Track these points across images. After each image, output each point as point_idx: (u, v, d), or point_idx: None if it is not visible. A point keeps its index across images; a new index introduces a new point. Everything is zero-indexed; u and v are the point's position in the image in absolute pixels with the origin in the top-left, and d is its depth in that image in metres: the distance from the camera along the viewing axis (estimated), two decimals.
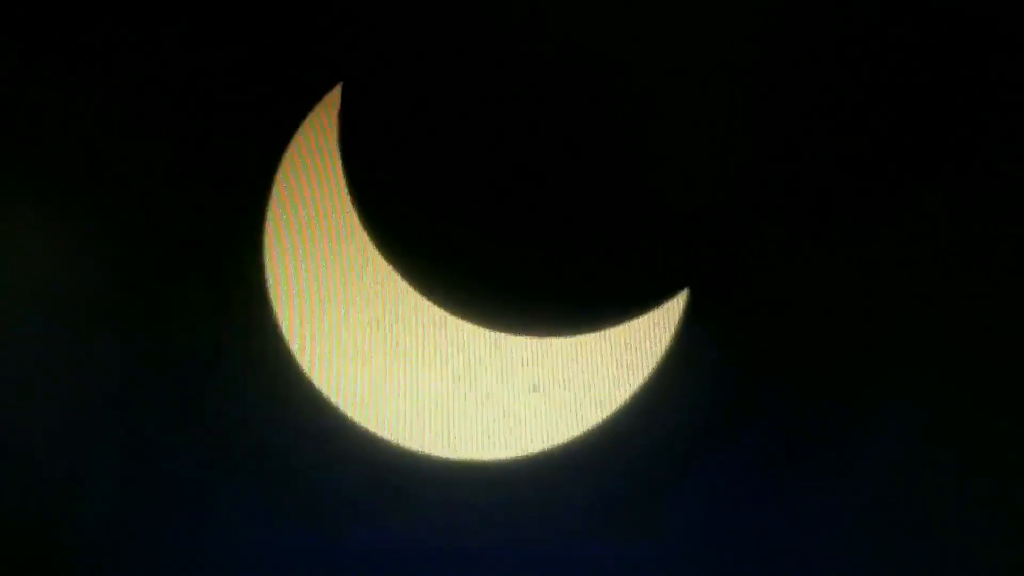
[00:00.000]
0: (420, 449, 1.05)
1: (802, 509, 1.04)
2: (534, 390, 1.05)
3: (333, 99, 1.03)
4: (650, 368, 1.05)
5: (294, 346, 1.03)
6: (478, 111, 1.00)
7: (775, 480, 1.04)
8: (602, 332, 1.05)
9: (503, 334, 1.05)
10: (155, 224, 1.03)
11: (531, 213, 1.01)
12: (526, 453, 1.05)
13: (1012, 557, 1.03)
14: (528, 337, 1.05)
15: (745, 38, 1.02)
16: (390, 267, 1.02)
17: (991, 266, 1.05)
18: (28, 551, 1.02)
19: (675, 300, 1.05)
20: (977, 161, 1.05)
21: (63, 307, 1.03)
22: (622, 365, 1.06)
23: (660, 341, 1.06)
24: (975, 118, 1.04)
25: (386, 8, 1.02)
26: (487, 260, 1.01)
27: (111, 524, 1.02)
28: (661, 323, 1.06)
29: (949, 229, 1.05)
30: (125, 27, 1.02)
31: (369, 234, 1.02)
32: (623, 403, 1.06)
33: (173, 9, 1.02)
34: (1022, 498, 1.04)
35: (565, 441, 1.05)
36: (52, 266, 1.03)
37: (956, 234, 1.05)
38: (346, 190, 1.02)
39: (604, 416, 1.06)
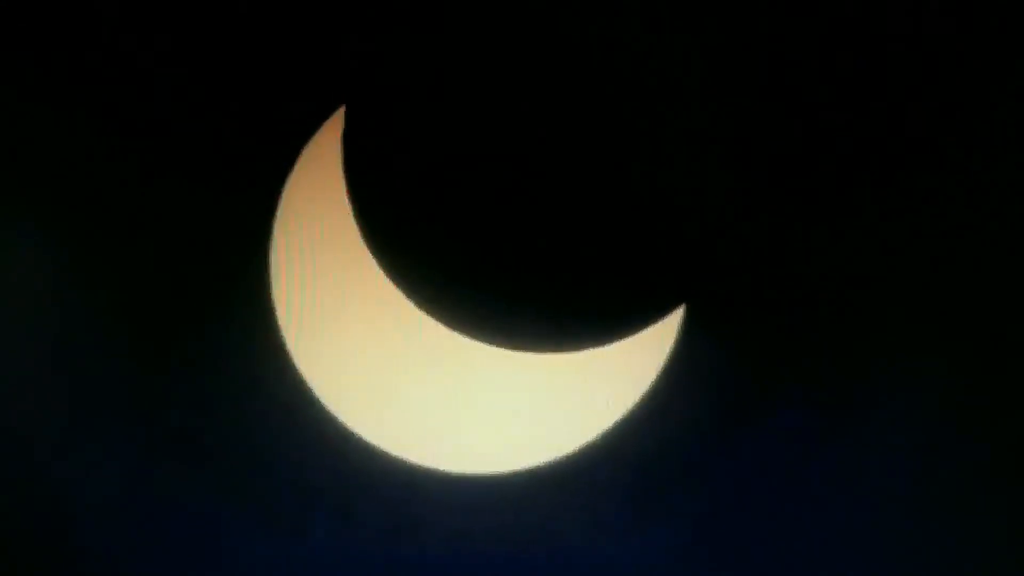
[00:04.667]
0: (424, 463, 1.06)
1: (804, 522, 1.05)
2: None
3: (337, 121, 1.05)
4: (648, 383, 1.07)
5: (300, 365, 1.04)
6: (480, 133, 1.02)
7: (775, 494, 1.05)
8: (599, 348, 1.07)
9: (502, 349, 1.06)
10: (162, 245, 1.04)
11: (532, 233, 1.02)
12: (526, 467, 1.07)
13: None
14: (526, 352, 1.06)
15: (742, 53, 1.03)
16: (394, 286, 1.04)
17: (998, 268, 1.06)
18: (29, 557, 1.03)
19: (672, 316, 1.06)
20: (980, 165, 1.06)
21: (71, 321, 1.04)
22: (620, 380, 1.07)
23: (657, 357, 1.07)
24: (976, 122, 1.06)
25: (389, 31, 1.03)
26: (489, 279, 1.02)
27: (110, 533, 1.03)
28: (658, 339, 1.07)
29: (952, 239, 1.06)
30: (129, 52, 1.04)
31: (373, 254, 1.04)
32: (621, 418, 1.07)
33: (177, 34, 1.04)
34: None
35: (564, 456, 1.07)
36: (60, 280, 1.04)
37: (960, 243, 1.06)
38: (350, 211, 1.03)
39: (602, 431, 1.07)
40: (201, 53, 1.04)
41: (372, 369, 1.05)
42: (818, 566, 1.05)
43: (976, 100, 1.05)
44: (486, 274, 1.02)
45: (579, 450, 1.06)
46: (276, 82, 1.04)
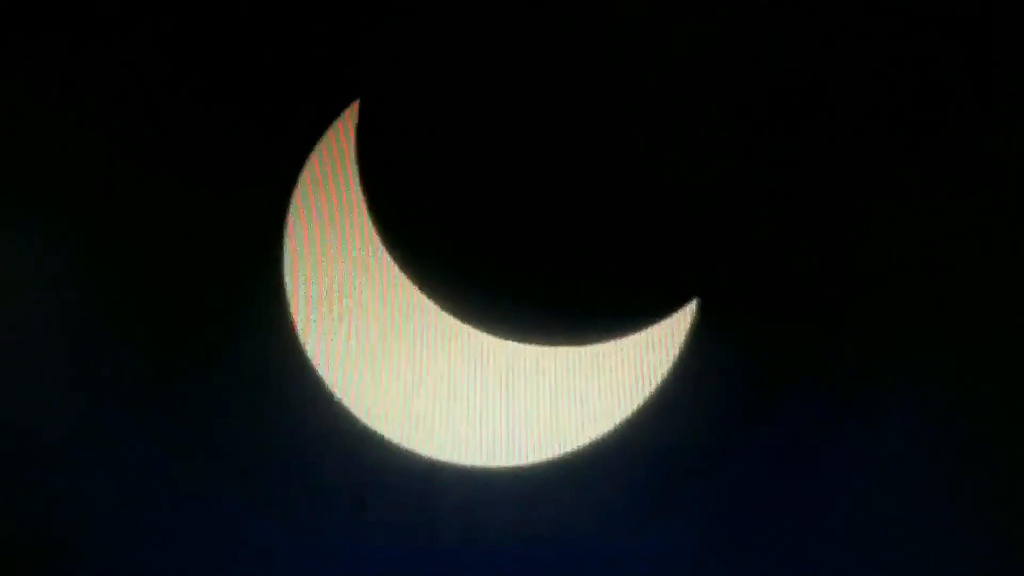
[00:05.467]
0: (434, 455, 1.07)
1: (815, 516, 1.06)
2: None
3: (351, 115, 1.05)
4: (660, 378, 1.07)
5: (314, 359, 1.05)
6: (493, 126, 1.02)
7: (786, 488, 1.06)
8: (612, 342, 1.07)
9: (516, 343, 1.06)
10: (176, 239, 1.04)
11: (544, 225, 1.03)
12: (539, 461, 1.07)
13: None
14: (540, 346, 1.07)
15: (754, 44, 1.03)
16: (407, 278, 1.04)
17: (1014, 267, 1.07)
18: (46, 553, 1.04)
19: (685, 310, 1.07)
20: (991, 161, 1.06)
21: (85, 317, 1.04)
22: (633, 374, 1.08)
23: (670, 352, 1.08)
24: (984, 118, 1.06)
25: (402, 25, 1.04)
26: (501, 271, 1.03)
27: (125, 528, 1.04)
28: (671, 334, 1.08)
29: (966, 237, 1.06)
30: (145, 48, 1.04)
31: (387, 247, 1.04)
32: (633, 412, 1.07)
33: (193, 30, 1.04)
34: None
35: (576, 449, 1.07)
36: (74, 277, 1.05)
37: (974, 241, 1.06)
38: (364, 203, 1.04)
39: (614, 425, 1.07)
40: (218, 48, 1.04)
41: (386, 363, 1.06)
42: (828, 561, 1.06)
43: (985, 97, 1.06)
44: (499, 268, 1.03)
45: (591, 444, 1.07)
46: (291, 76, 1.04)
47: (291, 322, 1.05)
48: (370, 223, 1.04)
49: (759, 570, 1.06)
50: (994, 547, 1.05)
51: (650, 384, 1.08)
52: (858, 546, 1.05)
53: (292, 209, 1.05)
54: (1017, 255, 1.06)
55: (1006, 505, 1.05)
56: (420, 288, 1.04)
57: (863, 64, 1.05)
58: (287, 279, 1.05)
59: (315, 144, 1.05)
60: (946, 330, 1.07)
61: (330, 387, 1.05)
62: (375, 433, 1.05)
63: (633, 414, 1.07)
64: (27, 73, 1.03)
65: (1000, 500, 1.05)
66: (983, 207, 1.06)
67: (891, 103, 1.05)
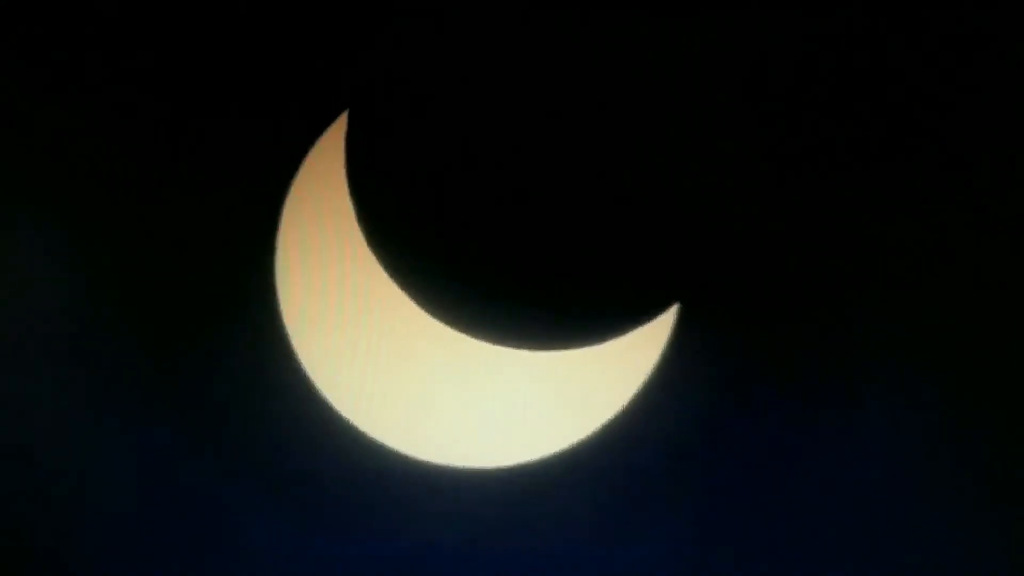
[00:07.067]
0: (424, 457, 1.08)
1: (795, 518, 1.07)
2: None
3: (340, 125, 1.07)
4: (641, 383, 1.09)
5: (306, 365, 1.06)
6: (479, 136, 1.03)
7: (768, 491, 1.07)
8: (592, 347, 1.08)
9: (501, 347, 1.08)
10: (168, 247, 1.06)
11: (529, 233, 1.04)
12: (520, 463, 1.09)
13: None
14: (524, 351, 1.08)
15: (737, 49, 1.05)
16: (396, 286, 1.05)
17: (992, 269, 1.08)
18: (40, 555, 1.05)
19: (666, 315, 1.08)
20: (976, 168, 1.07)
21: (79, 322, 1.06)
22: (615, 377, 1.10)
23: (651, 355, 1.09)
24: (968, 128, 1.07)
25: (392, 35, 1.05)
26: (487, 279, 1.04)
27: (120, 531, 1.05)
28: (652, 337, 1.09)
29: (946, 239, 1.08)
30: (137, 57, 1.05)
31: (376, 255, 1.05)
32: (615, 415, 1.09)
33: (184, 38, 1.05)
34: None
35: (557, 452, 1.09)
36: (69, 283, 1.06)
37: (954, 243, 1.07)
38: (353, 213, 1.05)
39: (595, 428, 1.09)
40: (208, 57, 1.05)
41: (375, 367, 1.07)
42: (807, 562, 1.07)
43: (975, 101, 1.06)
44: (485, 274, 1.04)
45: (573, 447, 1.08)
46: (281, 87, 1.05)
47: (283, 328, 1.06)
48: (359, 232, 1.06)
49: (743, 573, 1.07)
50: (984, 543, 1.06)
51: (631, 388, 1.09)
52: (841, 547, 1.07)
53: (282, 219, 1.07)
54: (1004, 261, 1.07)
55: (995, 501, 1.06)
56: (408, 294, 1.05)
57: (853, 63, 1.05)
58: (279, 286, 1.07)
59: (305, 153, 1.07)
60: (928, 336, 1.08)
61: (321, 392, 1.07)
62: (364, 436, 1.07)
63: (614, 418, 1.09)
64: (22, 76, 1.04)
65: (989, 496, 1.06)
66: (969, 211, 1.07)
67: (878, 102, 1.06)
